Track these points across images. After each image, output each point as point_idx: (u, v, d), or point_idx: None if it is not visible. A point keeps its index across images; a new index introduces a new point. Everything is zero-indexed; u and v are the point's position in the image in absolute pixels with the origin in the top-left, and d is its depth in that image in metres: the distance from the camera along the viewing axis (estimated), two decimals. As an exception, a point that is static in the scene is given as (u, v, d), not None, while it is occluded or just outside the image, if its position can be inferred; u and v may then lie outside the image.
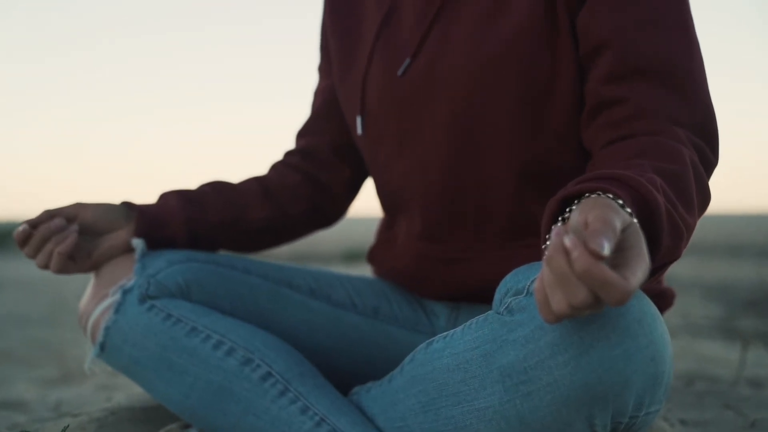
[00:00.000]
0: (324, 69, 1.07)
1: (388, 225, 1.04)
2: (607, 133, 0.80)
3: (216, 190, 1.00)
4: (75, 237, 0.88)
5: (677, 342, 1.97)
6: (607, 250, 0.52)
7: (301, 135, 1.09)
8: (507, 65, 0.84)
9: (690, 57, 0.80)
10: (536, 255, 0.87)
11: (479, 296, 0.92)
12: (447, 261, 0.92)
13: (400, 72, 0.91)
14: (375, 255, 1.03)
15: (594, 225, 0.54)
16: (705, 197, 0.76)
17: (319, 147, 1.06)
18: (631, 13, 0.80)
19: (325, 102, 1.06)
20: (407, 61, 0.91)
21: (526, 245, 0.88)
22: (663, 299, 0.90)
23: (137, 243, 0.91)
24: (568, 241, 0.53)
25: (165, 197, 0.97)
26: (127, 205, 0.95)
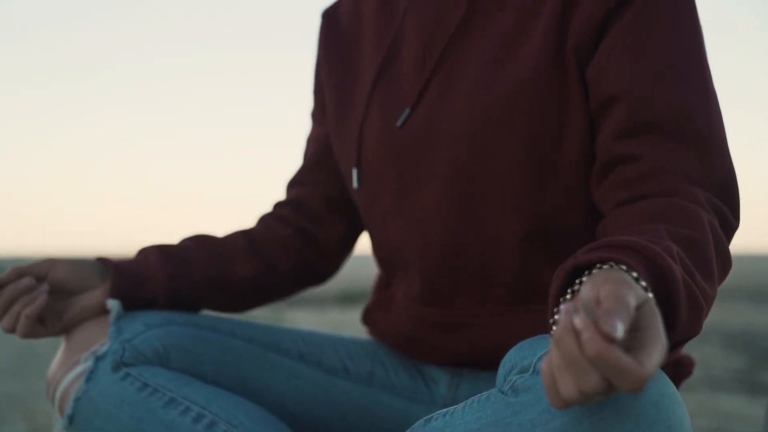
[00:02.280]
0: (317, 116, 1.06)
1: (384, 284, 1.02)
2: (620, 193, 0.80)
3: (199, 245, 0.99)
4: (44, 298, 0.86)
5: (696, 397, 1.94)
6: (620, 332, 0.51)
7: (293, 185, 1.08)
8: (512, 117, 0.84)
9: (707, 110, 0.80)
10: (543, 321, 0.86)
11: (483, 363, 0.90)
12: (448, 326, 0.91)
13: (399, 123, 0.91)
14: (370, 315, 1.02)
15: (606, 303, 0.53)
16: (725, 264, 0.75)
17: (312, 199, 1.06)
18: (644, 63, 0.80)
19: (319, 151, 1.05)
20: (407, 111, 0.90)
21: (533, 311, 0.87)
22: (681, 368, 0.89)
23: (113, 304, 0.90)
24: (578, 321, 0.52)
25: (144, 253, 0.96)
26: (102, 262, 0.94)
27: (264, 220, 1.07)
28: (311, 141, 1.07)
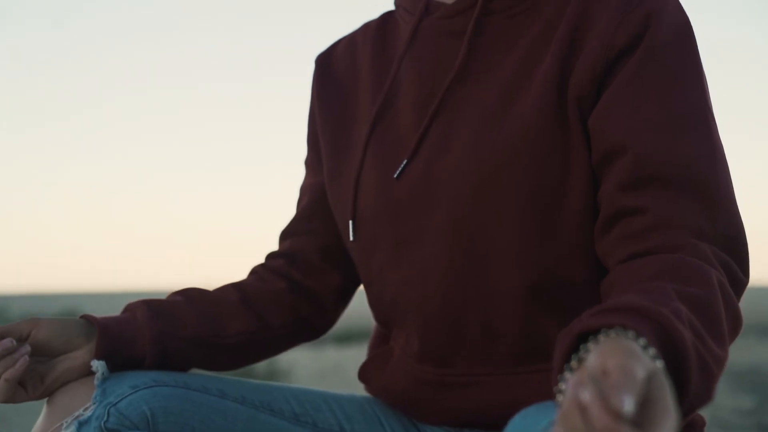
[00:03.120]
0: (312, 164, 1.05)
1: (382, 339, 1.00)
2: (624, 247, 0.78)
3: (189, 300, 0.97)
4: (25, 361, 0.84)
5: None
6: (629, 408, 0.49)
7: (286, 236, 1.06)
8: (514, 169, 0.83)
9: (713, 162, 0.79)
10: (548, 382, 0.84)
11: (485, 424, 0.88)
12: (448, 385, 0.89)
13: (396, 174, 0.89)
14: (368, 372, 1.00)
15: (615, 376, 0.52)
16: (736, 322, 0.73)
17: (306, 250, 1.04)
18: (647, 114, 0.79)
19: (313, 201, 1.04)
20: (404, 162, 0.89)
21: (537, 370, 0.85)
22: (692, 429, 0.87)
23: (97, 365, 0.88)
24: (585, 396, 0.50)
25: (131, 309, 0.94)
26: (87, 321, 0.92)
27: (257, 272, 1.05)
28: (305, 190, 1.06)
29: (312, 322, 1.05)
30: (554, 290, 0.84)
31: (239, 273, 1.08)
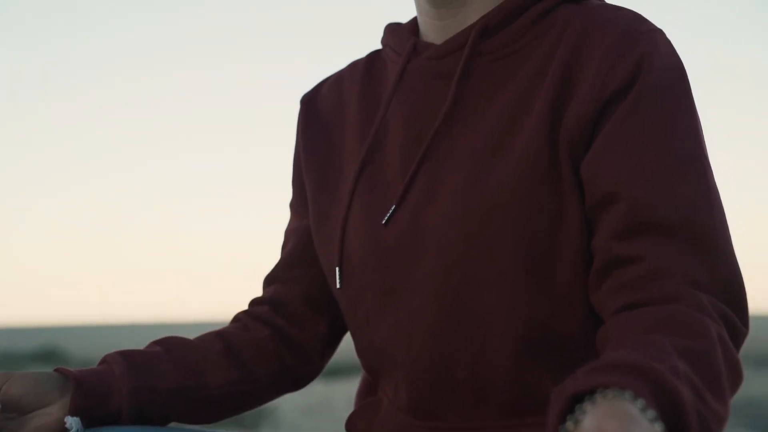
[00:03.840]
0: (297, 207, 1.03)
1: (369, 388, 0.98)
2: (619, 297, 0.77)
3: (169, 350, 0.95)
4: None
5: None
6: None
7: (271, 281, 1.04)
8: (504, 216, 0.82)
9: (709, 209, 0.78)
10: (542, 437, 0.82)
11: None
12: None
13: (384, 220, 0.88)
14: (355, 423, 0.98)
15: None
16: (736, 376, 0.72)
17: (291, 297, 1.02)
18: (640, 160, 0.78)
19: (299, 245, 1.02)
20: (392, 208, 0.88)
21: (530, 423, 0.83)
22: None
23: (72, 422, 0.86)
24: None
25: (107, 362, 0.92)
26: (61, 374, 0.89)
27: (240, 319, 1.03)
28: (290, 234, 1.04)
29: (297, 371, 1.02)
30: (547, 342, 0.83)
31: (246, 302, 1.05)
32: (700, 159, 0.80)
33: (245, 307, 1.05)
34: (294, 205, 1.05)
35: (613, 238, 0.78)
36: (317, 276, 1.00)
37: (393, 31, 0.98)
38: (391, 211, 0.88)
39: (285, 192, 1.05)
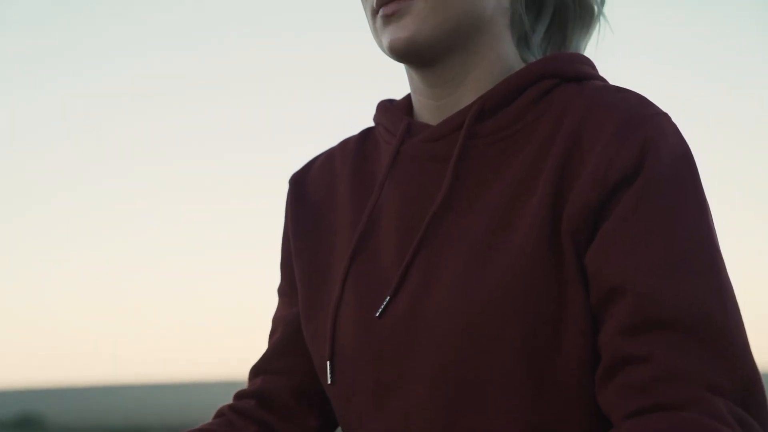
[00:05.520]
0: (286, 293, 1.01)
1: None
2: (629, 400, 0.74)
3: None
4: None
5: None
6: None
7: (257, 373, 1.01)
8: (505, 310, 0.79)
9: (722, 303, 0.76)
10: None
11: None
12: None
13: (378, 313, 0.85)
14: None
15: None
16: None
17: (280, 390, 0.99)
18: (648, 253, 0.76)
19: (288, 334, 0.99)
20: (386, 299, 0.85)
21: None
22: None
23: None
24: None
25: None
26: None
27: (224, 414, 1.00)
28: (278, 322, 1.01)
29: (285, 471, 0.98)
30: None
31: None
32: (710, 251, 0.78)
33: (231, 369, 1.02)
34: (282, 291, 1.02)
35: (620, 335, 0.76)
36: (307, 368, 0.97)
37: (386, 109, 0.97)
38: (385, 303, 0.86)
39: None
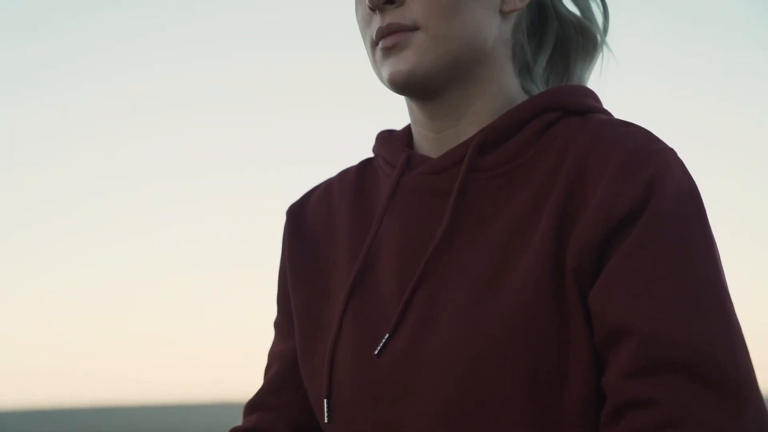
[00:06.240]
0: (283, 327, 1.00)
1: None
2: None
3: None
4: None
5: None
6: None
7: (253, 409, 1.00)
8: (507, 349, 0.78)
9: (731, 345, 0.75)
10: None
11: None
12: None
13: (377, 351, 0.84)
14: None
15: None
16: None
17: (275, 427, 0.97)
18: (654, 293, 0.75)
19: (284, 370, 0.98)
20: (386, 336, 0.84)
21: None
22: None
23: None
24: None
25: None
26: None
27: None
28: (275, 357, 1.00)
29: None
30: None
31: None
32: (718, 291, 0.77)
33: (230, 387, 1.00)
34: (278, 325, 1.01)
35: (625, 377, 0.75)
36: (304, 403, 0.96)
37: (385, 140, 0.96)
38: (384, 341, 0.84)
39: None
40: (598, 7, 0.95)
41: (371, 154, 0.99)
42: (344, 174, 1.00)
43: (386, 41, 0.85)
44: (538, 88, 0.94)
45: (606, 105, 0.93)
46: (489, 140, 0.86)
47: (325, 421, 0.88)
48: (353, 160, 1.02)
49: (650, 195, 0.78)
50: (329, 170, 1.03)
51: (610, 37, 0.97)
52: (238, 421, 1.01)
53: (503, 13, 0.88)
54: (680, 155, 0.83)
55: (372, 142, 0.99)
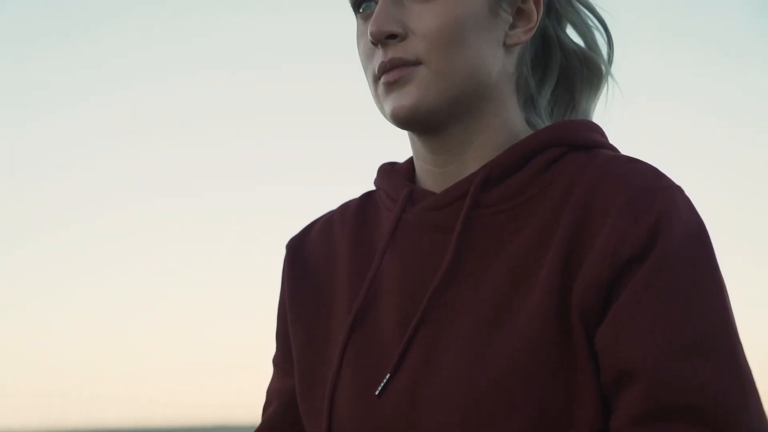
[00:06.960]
0: (281, 364, 0.98)
1: None
2: None
3: None
4: None
5: None
6: None
7: (251, 448, 0.99)
8: (510, 391, 0.77)
9: (741, 391, 0.74)
10: None
11: None
12: None
13: (377, 391, 0.83)
14: None
15: None
16: None
17: None
18: (662, 336, 0.74)
19: (282, 407, 0.97)
20: (387, 376, 0.83)
21: None
22: None
23: None
24: None
25: None
26: None
27: None
28: (273, 394, 0.99)
29: None
30: None
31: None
32: (727, 334, 0.76)
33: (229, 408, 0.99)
34: (277, 362, 0.99)
35: (632, 422, 0.74)
36: None
37: (387, 173, 0.95)
38: (385, 381, 0.83)
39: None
40: (603, 37, 0.95)
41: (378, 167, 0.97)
42: (345, 207, 0.99)
43: (388, 76, 0.84)
44: (543, 120, 0.93)
45: (612, 131, 0.91)
46: (492, 176, 0.85)
47: None
48: (365, 179, 1.00)
49: (657, 234, 0.77)
50: (350, 189, 1.00)
51: (616, 67, 0.96)
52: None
53: (507, 47, 0.88)
54: (693, 183, 0.82)
55: (378, 161, 0.97)
